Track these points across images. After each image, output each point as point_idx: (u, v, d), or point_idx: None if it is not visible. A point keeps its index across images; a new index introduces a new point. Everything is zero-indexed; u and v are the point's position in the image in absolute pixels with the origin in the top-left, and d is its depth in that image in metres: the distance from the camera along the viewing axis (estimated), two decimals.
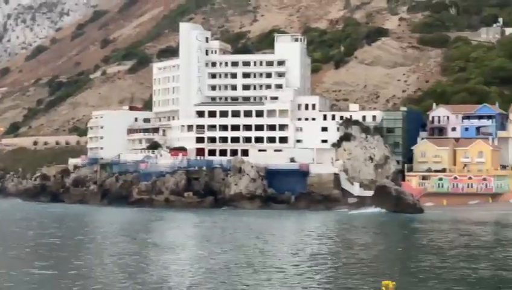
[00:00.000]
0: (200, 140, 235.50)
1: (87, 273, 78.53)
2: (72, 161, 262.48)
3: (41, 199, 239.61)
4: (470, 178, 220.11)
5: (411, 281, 70.93)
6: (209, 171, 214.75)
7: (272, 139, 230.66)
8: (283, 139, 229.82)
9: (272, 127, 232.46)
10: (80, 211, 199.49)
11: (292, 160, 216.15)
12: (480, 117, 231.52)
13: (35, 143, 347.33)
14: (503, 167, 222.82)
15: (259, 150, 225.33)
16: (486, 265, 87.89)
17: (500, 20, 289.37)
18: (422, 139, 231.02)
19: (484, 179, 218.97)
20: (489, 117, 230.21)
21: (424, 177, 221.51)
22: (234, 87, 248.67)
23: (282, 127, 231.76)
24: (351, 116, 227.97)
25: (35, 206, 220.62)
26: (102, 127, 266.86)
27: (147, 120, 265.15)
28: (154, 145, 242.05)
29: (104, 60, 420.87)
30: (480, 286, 69.12)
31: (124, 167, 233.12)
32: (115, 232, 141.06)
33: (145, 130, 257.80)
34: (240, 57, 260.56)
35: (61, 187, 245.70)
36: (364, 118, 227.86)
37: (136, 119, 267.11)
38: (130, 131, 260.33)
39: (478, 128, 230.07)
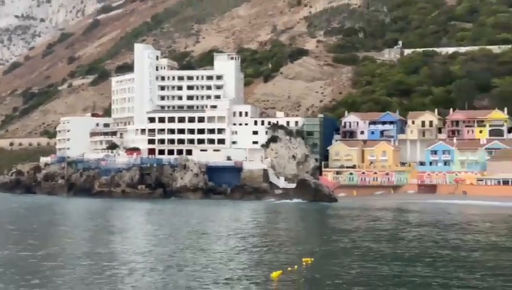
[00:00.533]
0: (151, 141, 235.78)
1: (54, 253, 77.85)
2: (43, 159, 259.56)
3: (16, 191, 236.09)
4: (375, 173, 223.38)
5: (326, 258, 71.78)
6: (159, 168, 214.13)
7: (211, 141, 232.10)
8: (221, 141, 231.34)
9: (211, 131, 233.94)
10: (50, 201, 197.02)
11: (228, 158, 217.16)
12: (383, 123, 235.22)
13: (11, 144, 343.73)
14: (403, 163, 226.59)
15: (201, 150, 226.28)
16: (387, 243, 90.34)
17: (400, 42, 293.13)
18: (336, 141, 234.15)
19: (387, 174, 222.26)
20: (391, 123, 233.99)
21: (337, 172, 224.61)
22: (180, 98, 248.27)
23: (220, 130, 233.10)
24: (277, 122, 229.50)
25: (11, 197, 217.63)
26: (68, 131, 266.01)
27: (106, 125, 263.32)
28: (112, 146, 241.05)
29: (70, 75, 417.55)
30: (382, 259, 70.39)
31: (87, 164, 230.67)
32: (79, 219, 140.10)
33: (105, 133, 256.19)
34: (185, 72, 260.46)
35: (34, 181, 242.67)
36: (288, 123, 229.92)
37: (97, 124, 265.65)
38: (92, 134, 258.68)
39: (382, 132, 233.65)
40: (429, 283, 57.82)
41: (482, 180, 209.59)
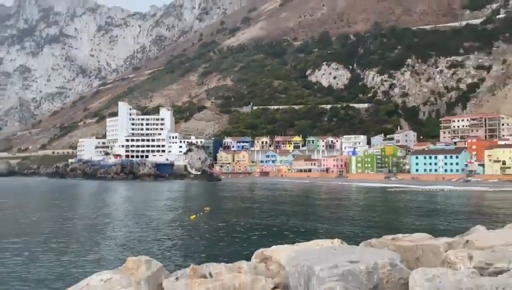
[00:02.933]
0: (127, 151, 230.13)
1: (73, 203, 74.41)
2: (70, 160, 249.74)
3: (56, 177, 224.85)
4: (239, 166, 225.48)
5: (216, 208, 71.45)
6: (131, 164, 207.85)
7: (158, 151, 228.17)
8: (163, 151, 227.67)
9: (158, 146, 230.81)
10: (73, 182, 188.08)
11: (167, 159, 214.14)
12: (243, 142, 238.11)
13: (53, 152, 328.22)
14: (253, 162, 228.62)
15: (153, 155, 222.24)
16: (244, 198, 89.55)
17: (251, 103, 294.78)
18: (220, 150, 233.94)
19: (245, 167, 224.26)
20: (247, 142, 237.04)
21: (221, 166, 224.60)
22: (142, 129, 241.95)
23: (163, 146, 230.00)
24: (191, 141, 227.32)
25: (53, 180, 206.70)
26: (84, 145, 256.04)
27: (104, 143, 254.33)
28: (107, 153, 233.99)
29: (84, 117, 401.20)
30: (244, 202, 70.35)
31: (93, 162, 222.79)
32: (89, 188, 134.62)
33: (103, 147, 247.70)
34: (144, 116, 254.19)
35: (65, 172, 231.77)
36: (197, 142, 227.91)
37: (99, 142, 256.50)
38: (96, 147, 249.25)
39: (243, 146, 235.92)
40: (257, 209, 59.48)
41: (290, 169, 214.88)
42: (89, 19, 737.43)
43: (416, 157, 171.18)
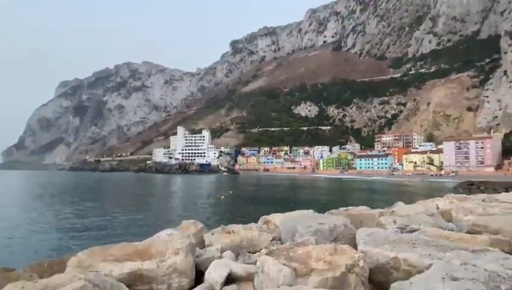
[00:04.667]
0: (182, 156, 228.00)
1: (149, 187, 72.71)
2: (148, 162, 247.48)
3: (139, 172, 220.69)
4: (251, 166, 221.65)
5: (236, 191, 70.26)
6: (185, 164, 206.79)
7: (200, 157, 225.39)
8: (204, 156, 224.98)
9: (201, 153, 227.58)
10: (150, 175, 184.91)
11: (207, 161, 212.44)
12: (253, 150, 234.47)
13: (137, 157, 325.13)
14: (259, 163, 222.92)
15: (197, 158, 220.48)
16: (255, 185, 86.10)
17: (258, 126, 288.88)
18: (239, 156, 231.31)
19: (254, 166, 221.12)
20: (255, 150, 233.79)
21: (239, 165, 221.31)
22: (191, 143, 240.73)
23: (204, 153, 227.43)
24: (221, 150, 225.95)
25: (137, 174, 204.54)
26: (156, 153, 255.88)
27: (169, 151, 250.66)
28: (170, 157, 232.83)
29: (157, 136, 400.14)
30: (259, 188, 67.83)
31: (163, 164, 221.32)
32: (159, 179, 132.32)
33: (168, 154, 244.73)
34: (193, 135, 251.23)
35: (145, 169, 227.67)
36: (225, 151, 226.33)
37: (165, 151, 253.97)
38: (164, 154, 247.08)
39: (253, 153, 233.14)
40: (262, 191, 57.85)
41: (282, 167, 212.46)
42: (159, 76, 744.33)
43: (360, 160, 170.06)
